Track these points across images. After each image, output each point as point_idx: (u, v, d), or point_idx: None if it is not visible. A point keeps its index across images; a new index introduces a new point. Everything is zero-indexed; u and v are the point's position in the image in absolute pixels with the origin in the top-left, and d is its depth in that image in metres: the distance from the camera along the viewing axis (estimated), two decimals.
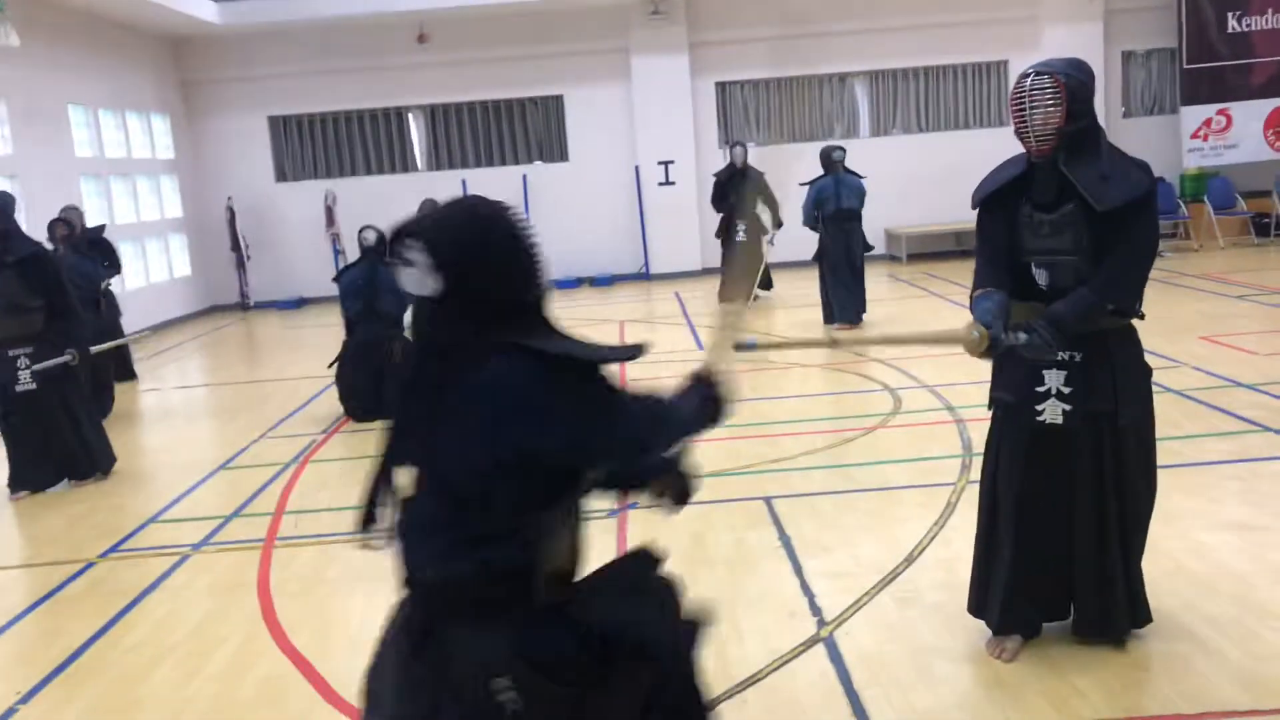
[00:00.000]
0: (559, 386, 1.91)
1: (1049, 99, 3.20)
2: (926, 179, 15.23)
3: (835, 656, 3.65)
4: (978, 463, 5.53)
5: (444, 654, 1.96)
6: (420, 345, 2.05)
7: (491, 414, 1.88)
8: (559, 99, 15.53)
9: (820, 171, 10.11)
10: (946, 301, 11.44)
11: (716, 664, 3.65)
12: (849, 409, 7.18)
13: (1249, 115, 14.70)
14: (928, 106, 15.68)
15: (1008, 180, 3.44)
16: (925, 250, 15.15)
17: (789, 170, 12.05)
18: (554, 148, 15.72)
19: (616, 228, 15.30)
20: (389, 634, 2.09)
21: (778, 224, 11.07)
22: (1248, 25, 14.58)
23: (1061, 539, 3.47)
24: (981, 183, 3.57)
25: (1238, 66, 14.66)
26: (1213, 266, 12.54)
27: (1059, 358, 3.35)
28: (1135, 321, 3.50)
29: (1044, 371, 3.39)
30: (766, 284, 12.12)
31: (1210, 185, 14.70)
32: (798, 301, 11.76)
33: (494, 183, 15.29)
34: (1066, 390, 3.37)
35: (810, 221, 10.05)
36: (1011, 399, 3.49)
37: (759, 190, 11.10)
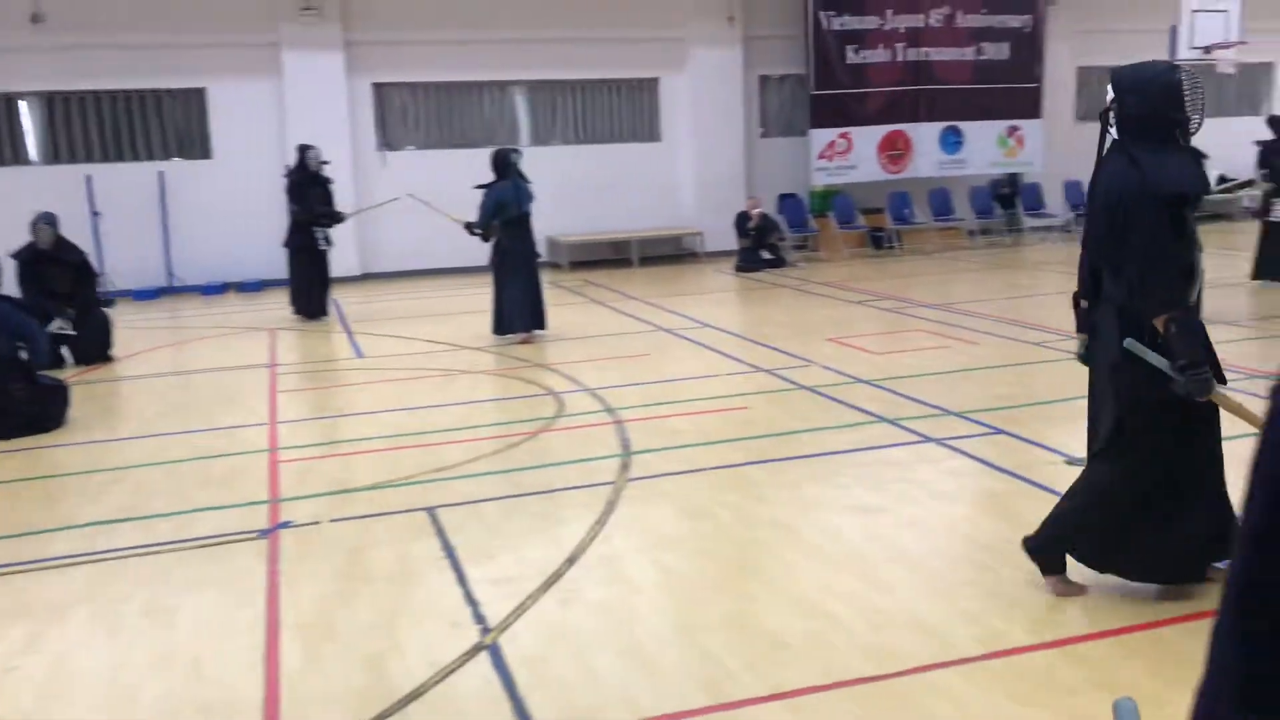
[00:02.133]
0: None
1: None
2: (585, 189, 15.66)
3: (499, 663, 3.62)
4: (637, 461, 5.79)
5: None
6: None
7: None
8: (201, 92, 14.48)
9: (493, 176, 9.71)
10: (606, 308, 11.81)
11: (377, 682, 3.51)
12: (514, 414, 7.20)
13: (866, 139, 16.35)
14: (585, 118, 16.13)
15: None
16: (585, 258, 15.56)
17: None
18: (195, 144, 14.64)
19: (266, 230, 14.49)
20: None
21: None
22: (864, 58, 16.22)
23: None
24: (1177, 178, 3.60)
25: (857, 95, 16.28)
26: (837, 275, 13.80)
27: None
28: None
29: None
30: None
31: (835, 202, 16.22)
32: (454, 309, 11.68)
33: (124, 179, 14.04)
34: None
35: (485, 226, 9.64)
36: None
37: None
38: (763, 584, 4.25)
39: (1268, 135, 11.59)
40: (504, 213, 9.54)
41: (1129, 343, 3.59)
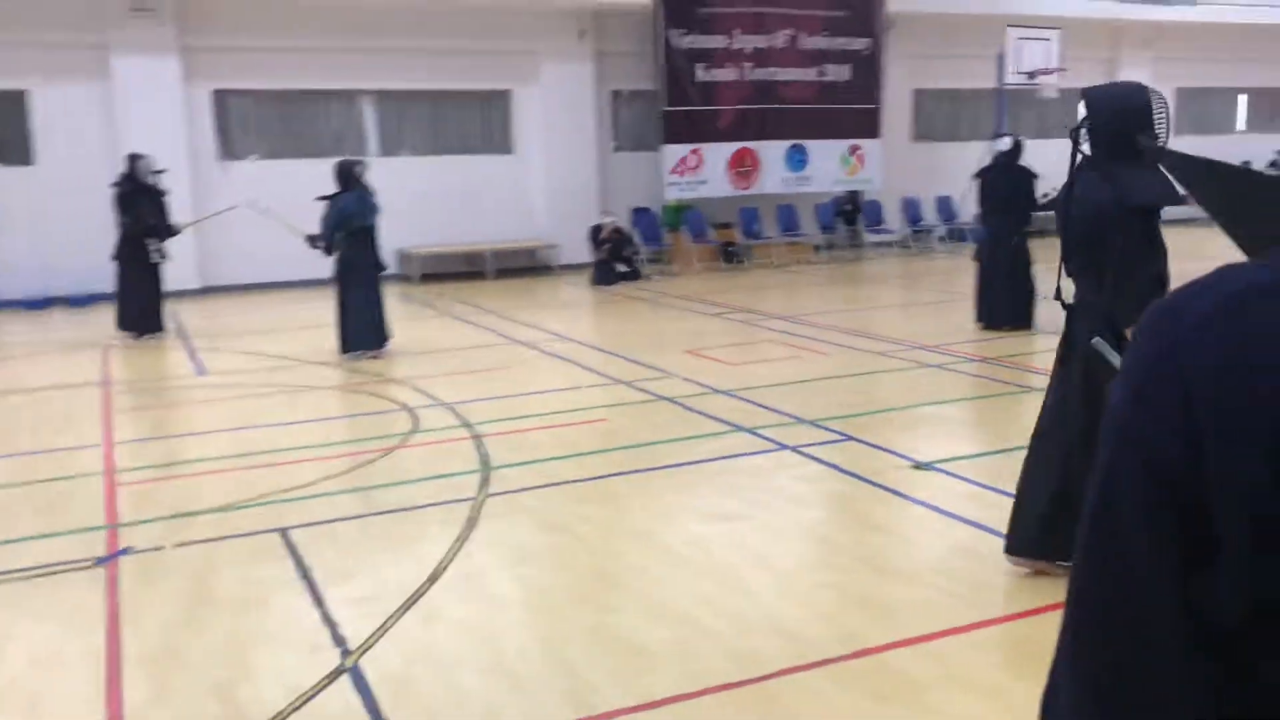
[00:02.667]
0: None
1: None
2: (437, 201, 15.46)
3: (361, 685, 3.51)
4: (497, 476, 5.73)
5: None
6: None
7: None
8: (20, 94, 13.65)
9: (337, 187, 9.40)
10: (460, 321, 11.66)
11: (231, 712, 3.36)
12: (367, 430, 7.03)
13: (716, 156, 16.68)
14: (437, 130, 15.93)
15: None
16: (437, 271, 15.34)
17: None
18: (14, 149, 13.78)
19: (95, 242, 13.74)
20: None
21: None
22: (713, 76, 16.55)
23: None
24: (1147, 191, 3.74)
25: (707, 112, 16.59)
26: (691, 288, 14.02)
27: None
28: None
29: None
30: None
31: (687, 216, 16.47)
32: (300, 323, 11.32)
33: None
34: None
35: (328, 239, 9.33)
36: None
37: None
38: (626, 595, 4.26)
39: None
40: (348, 225, 9.30)
41: (1096, 342, 3.81)
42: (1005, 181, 9.95)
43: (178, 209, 11.73)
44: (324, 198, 9.45)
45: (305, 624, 4.02)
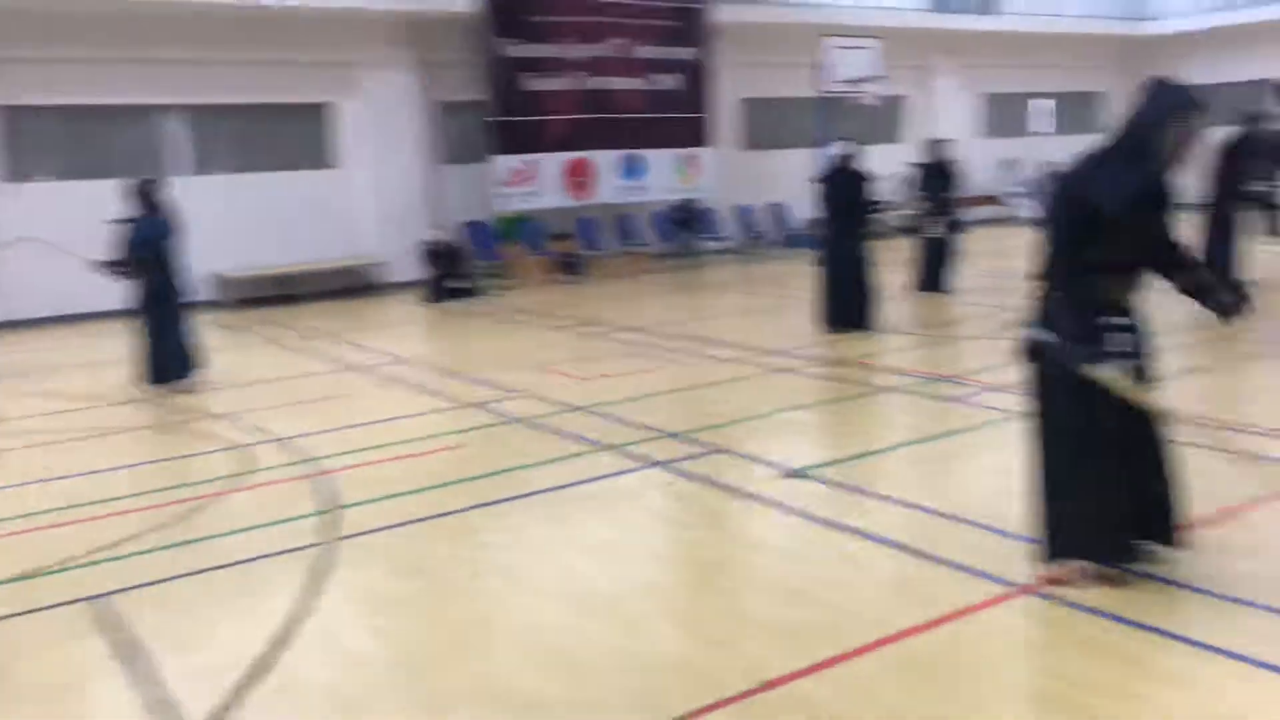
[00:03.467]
0: None
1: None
2: (254, 221, 14.57)
3: None
4: (346, 516, 5.23)
5: None
6: None
7: None
8: None
9: (135, 209, 8.63)
10: (286, 349, 10.93)
11: None
12: (193, 474, 6.34)
13: (550, 166, 16.36)
14: (251, 145, 15.02)
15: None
16: (255, 295, 14.44)
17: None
18: None
19: None
20: None
21: None
22: (543, 85, 16.23)
23: None
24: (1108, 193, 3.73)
25: (538, 122, 16.26)
26: (531, 302, 13.64)
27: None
28: None
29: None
30: None
31: (523, 228, 16.08)
32: (100, 358, 10.35)
33: None
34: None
35: (128, 264, 8.59)
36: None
37: None
38: (505, 641, 3.88)
39: (924, 159, 12.58)
40: (148, 249, 8.59)
41: (1031, 331, 3.88)
42: (843, 186, 10.03)
43: None
44: (120, 221, 8.69)
45: (137, 705, 3.47)
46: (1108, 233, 3.72)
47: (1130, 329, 3.82)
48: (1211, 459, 5.28)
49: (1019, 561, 4.17)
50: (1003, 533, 4.50)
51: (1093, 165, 3.87)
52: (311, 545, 4.86)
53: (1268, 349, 8.29)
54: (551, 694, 3.39)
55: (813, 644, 3.63)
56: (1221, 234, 10.25)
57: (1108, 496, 3.84)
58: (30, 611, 4.29)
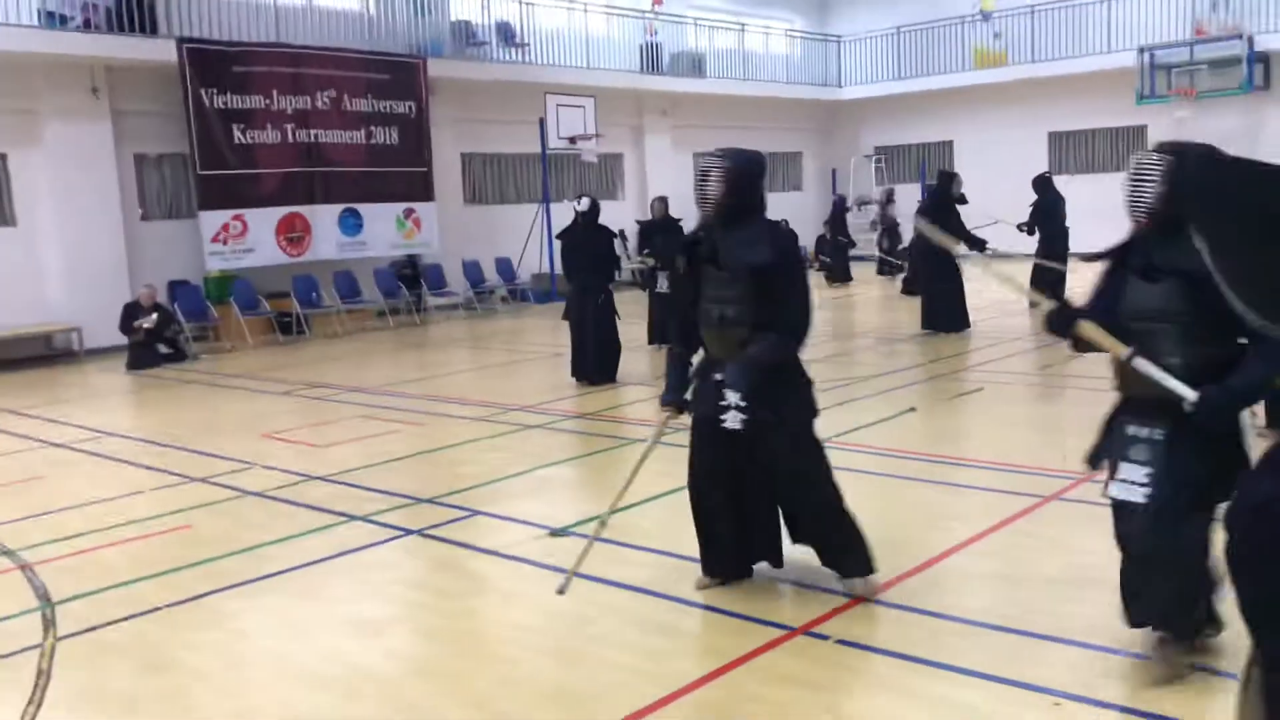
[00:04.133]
0: None
1: (716, 177, 4.16)
2: None
3: None
4: (65, 612, 4.67)
5: None
6: None
7: None
8: None
9: None
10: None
11: None
12: None
13: (262, 221, 15.57)
14: None
15: (691, 240, 4.43)
16: None
17: None
18: None
19: None
20: None
21: None
22: (252, 138, 15.48)
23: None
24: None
25: (248, 175, 15.46)
26: (249, 365, 12.87)
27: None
28: None
29: (725, 391, 4.21)
30: None
31: (235, 287, 15.17)
32: None
33: None
34: (743, 404, 4.18)
35: None
36: (705, 413, 4.33)
37: None
38: None
39: (651, 217, 12.98)
40: None
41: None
42: (588, 240, 10.20)
43: None
44: None
45: None
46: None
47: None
48: (935, 492, 5.74)
49: (790, 604, 4.33)
50: (767, 578, 4.67)
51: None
52: (28, 649, 4.29)
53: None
54: None
55: (604, 707, 3.58)
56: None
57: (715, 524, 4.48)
58: None
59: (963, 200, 12.63)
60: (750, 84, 23.46)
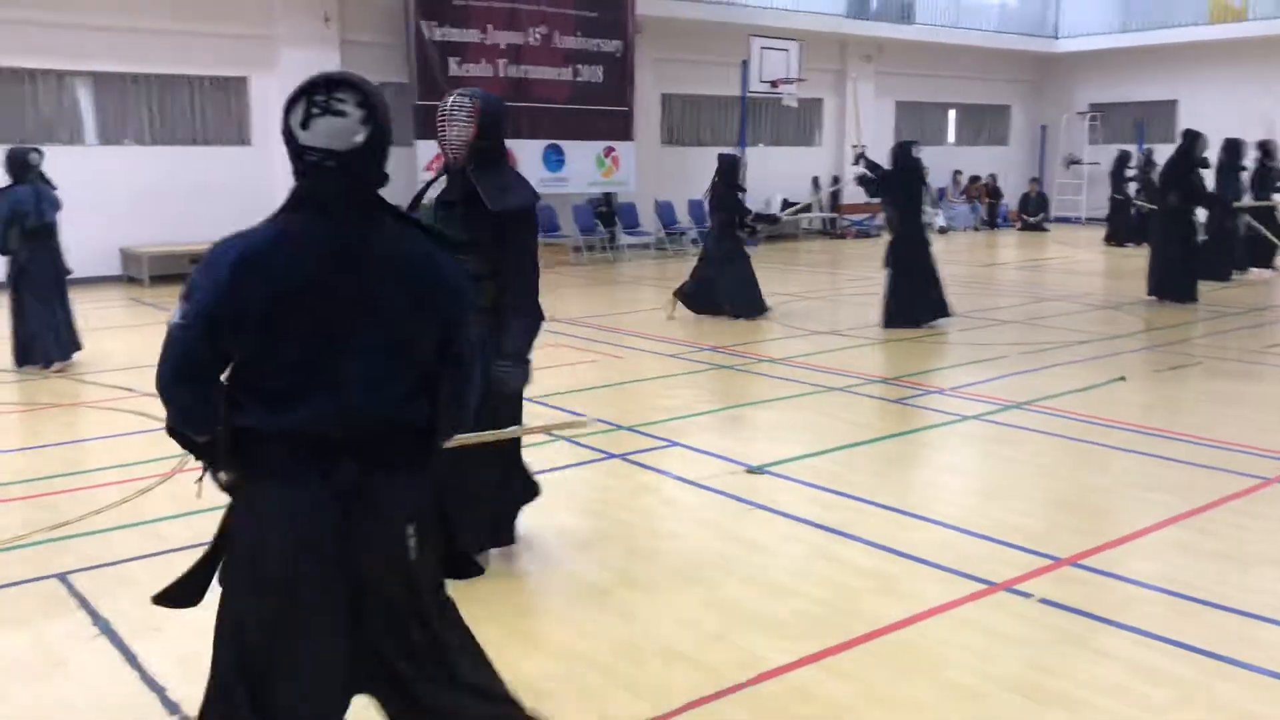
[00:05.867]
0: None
1: (465, 117, 3.88)
2: (166, 195, 14.08)
3: None
4: None
5: (369, 508, 2.11)
6: (325, 205, 2.12)
7: (438, 282, 2.19)
8: None
9: (7, 179, 8.22)
10: None
11: None
12: (134, 454, 6.13)
13: None
14: (163, 117, 14.50)
15: (428, 185, 4.06)
16: (168, 272, 13.94)
17: None
18: None
19: None
20: (297, 508, 2.10)
21: None
22: (466, 70, 16.07)
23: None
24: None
25: None
26: None
27: None
28: None
29: None
30: None
31: None
32: None
33: None
34: None
35: (1, 241, 8.16)
36: None
37: None
38: (496, 627, 3.88)
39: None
40: (21, 222, 8.14)
41: None
42: (908, 181, 10.24)
43: None
44: None
45: (124, 691, 3.37)
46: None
47: None
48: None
49: (990, 561, 4.37)
50: (971, 533, 4.70)
51: None
52: None
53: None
54: (548, 680, 3.42)
55: (804, 636, 3.74)
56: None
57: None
58: (4, 586, 4.12)
59: (1204, 164, 12.01)
60: (960, 32, 22.61)
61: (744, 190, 11.15)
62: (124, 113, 14.21)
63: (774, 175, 20.11)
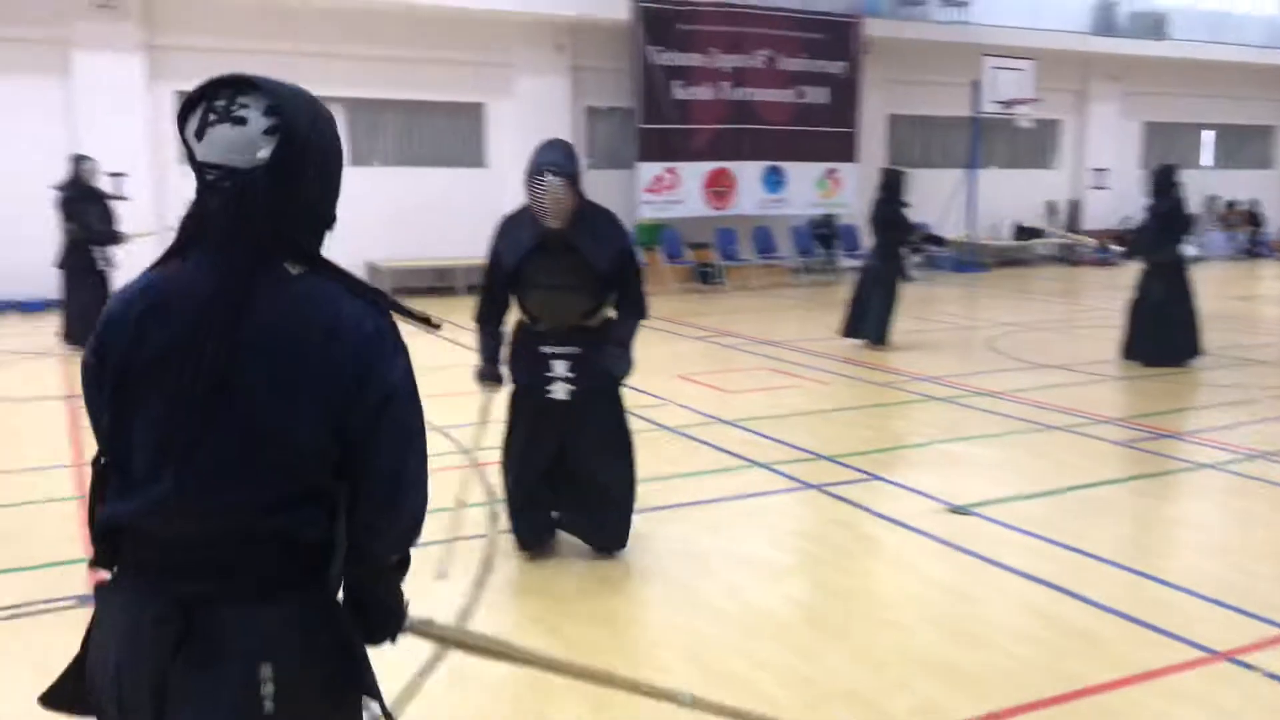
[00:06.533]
0: (401, 346, 1.74)
1: (567, 195, 4.29)
2: (408, 213, 15.00)
3: None
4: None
5: (208, 640, 1.61)
6: (191, 238, 1.69)
7: (334, 363, 1.64)
8: None
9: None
10: (437, 337, 11.18)
11: None
12: None
13: (692, 175, 16.42)
14: (409, 140, 15.47)
15: (527, 250, 4.48)
16: (410, 285, 14.85)
17: None
18: None
19: (49, 244, 13.10)
20: (121, 627, 1.65)
21: None
22: (690, 94, 16.31)
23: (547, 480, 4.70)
24: (502, 243, 4.62)
25: (683, 130, 16.33)
26: (670, 311, 13.68)
27: (563, 350, 4.49)
28: None
29: (552, 361, 4.50)
30: None
31: (662, 235, 16.17)
32: None
33: None
34: (571, 375, 4.49)
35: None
36: (528, 384, 4.57)
37: None
38: (672, 653, 3.90)
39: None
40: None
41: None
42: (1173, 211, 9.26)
43: (138, 213, 11.16)
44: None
45: None
46: None
47: None
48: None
49: (1213, 626, 4.00)
50: (1195, 594, 4.33)
51: None
52: (477, 536, 4.97)
53: None
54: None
55: (990, 689, 3.55)
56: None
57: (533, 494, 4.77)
58: None
59: None
60: (1219, 48, 20.95)
61: (907, 205, 10.60)
62: (373, 136, 15.27)
63: (1007, 198, 19.30)
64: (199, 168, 1.65)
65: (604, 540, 4.76)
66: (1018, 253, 19.51)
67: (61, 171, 11.06)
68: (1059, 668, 3.71)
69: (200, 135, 1.64)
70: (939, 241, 12.32)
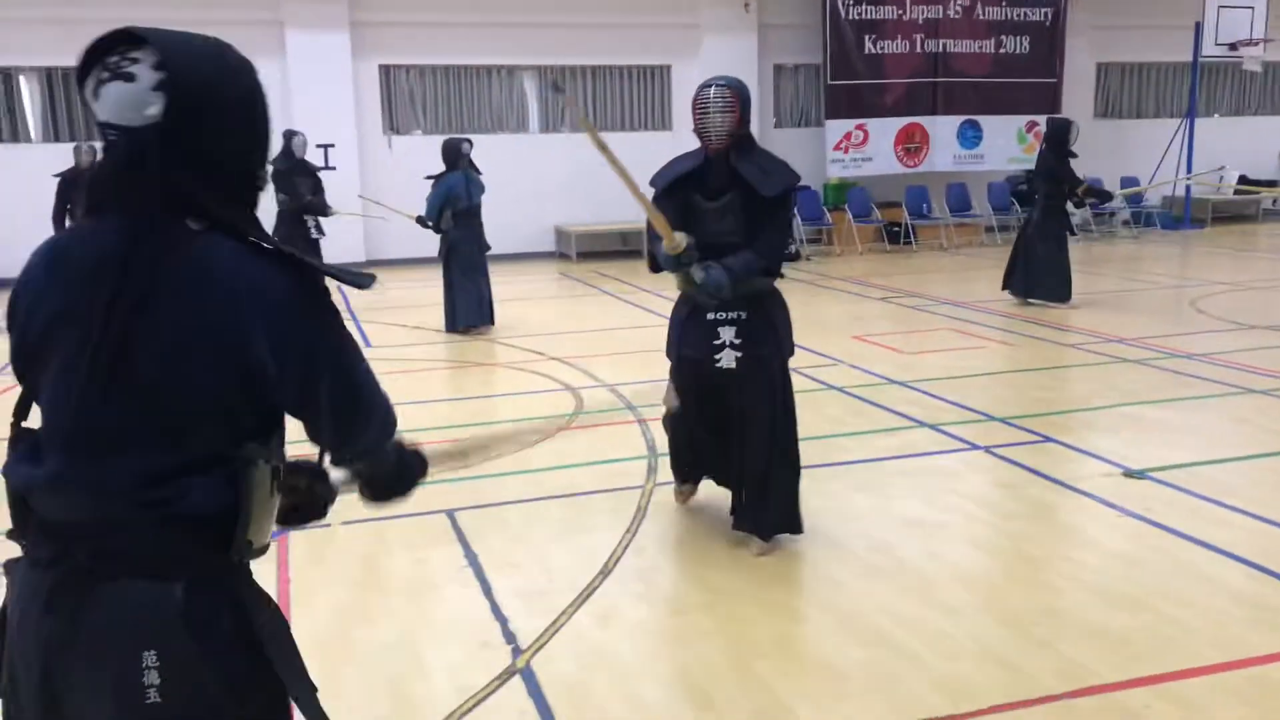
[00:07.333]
0: (321, 305, 1.62)
1: (727, 106, 4.06)
2: (594, 178, 15.29)
3: (534, 689, 3.30)
4: (664, 464, 5.45)
5: (93, 624, 1.50)
6: (94, 203, 1.60)
7: (236, 315, 1.52)
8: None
9: (443, 166, 9.28)
10: (617, 299, 11.47)
11: (399, 707, 3.20)
12: (530, 409, 6.84)
13: (882, 131, 16.00)
14: (596, 105, 15.77)
15: (684, 172, 4.26)
16: (594, 249, 15.21)
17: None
18: None
19: (267, 216, 14.13)
20: (19, 605, 1.57)
21: None
22: (882, 48, 15.86)
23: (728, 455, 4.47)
24: (660, 172, 4.39)
25: (873, 85, 15.92)
26: (853, 270, 13.47)
27: (730, 315, 4.23)
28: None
29: (719, 329, 4.26)
30: None
31: (850, 195, 15.86)
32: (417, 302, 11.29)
33: None
34: (738, 341, 4.26)
35: (435, 217, 9.24)
36: (696, 355, 4.34)
37: None
38: (813, 604, 3.93)
39: None
40: (453, 205, 9.16)
41: None
42: None
43: (345, 184, 11.85)
44: (431, 177, 9.37)
45: (475, 616, 3.84)
46: None
47: None
48: None
49: None
50: None
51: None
52: (633, 488, 5.13)
53: None
54: (852, 664, 3.41)
55: (1144, 656, 3.41)
56: None
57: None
58: (398, 517, 4.80)
59: None
60: None
61: (1074, 156, 9.95)
62: (561, 102, 15.61)
63: (1231, 149, 17.85)
64: (100, 128, 1.55)
65: (748, 525, 4.43)
66: (1241, 207, 18.06)
67: (278, 147, 11.92)
68: (1221, 635, 3.52)
69: (96, 94, 1.53)
70: (1106, 196, 11.75)
